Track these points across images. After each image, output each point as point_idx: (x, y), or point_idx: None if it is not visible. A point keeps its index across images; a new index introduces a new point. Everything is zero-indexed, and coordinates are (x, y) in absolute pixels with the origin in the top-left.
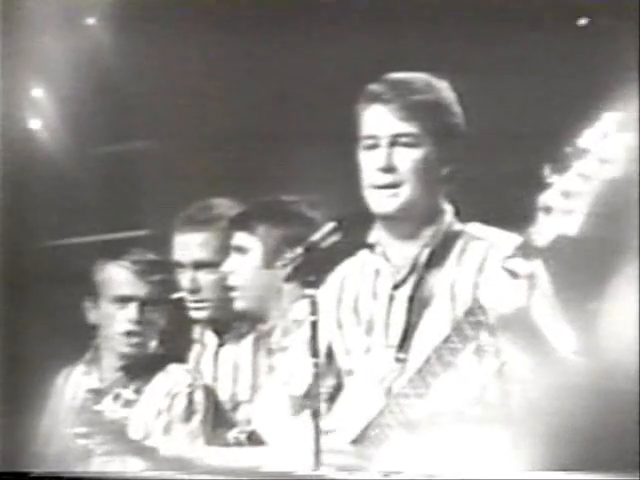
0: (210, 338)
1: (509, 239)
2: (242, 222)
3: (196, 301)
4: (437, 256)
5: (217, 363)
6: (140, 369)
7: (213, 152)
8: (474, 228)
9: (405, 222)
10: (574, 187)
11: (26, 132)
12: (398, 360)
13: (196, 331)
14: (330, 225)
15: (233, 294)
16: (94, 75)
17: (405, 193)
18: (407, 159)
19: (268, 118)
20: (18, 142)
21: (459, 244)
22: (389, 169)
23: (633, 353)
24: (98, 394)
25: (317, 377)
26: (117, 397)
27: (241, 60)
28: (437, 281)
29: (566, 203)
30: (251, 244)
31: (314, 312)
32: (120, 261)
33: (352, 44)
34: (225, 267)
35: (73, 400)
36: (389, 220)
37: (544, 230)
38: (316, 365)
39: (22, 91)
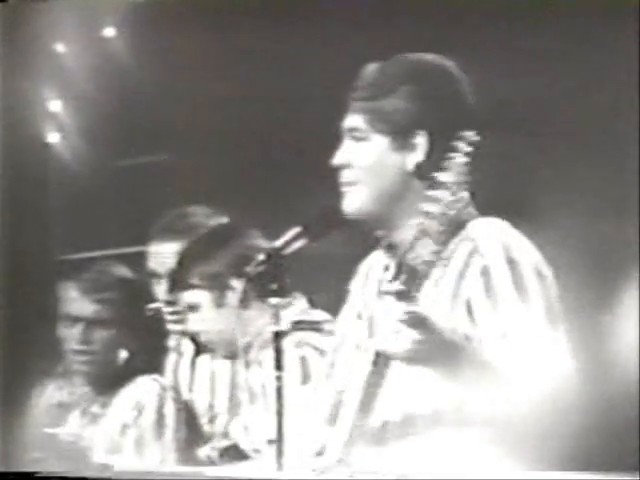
0: (187, 346)
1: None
2: (179, 280)
3: (172, 313)
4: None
5: (194, 372)
6: (107, 383)
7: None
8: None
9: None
10: None
11: (42, 145)
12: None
13: (172, 339)
14: (295, 230)
15: (211, 346)
16: (111, 87)
17: (363, 193)
18: (360, 155)
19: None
20: (33, 154)
21: (454, 241)
22: (344, 165)
23: (633, 353)
24: (64, 408)
25: (281, 391)
26: (85, 412)
27: (260, 70)
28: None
29: None
30: (198, 298)
31: (277, 322)
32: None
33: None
34: (190, 327)
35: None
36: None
37: None
38: (279, 379)
39: (39, 103)
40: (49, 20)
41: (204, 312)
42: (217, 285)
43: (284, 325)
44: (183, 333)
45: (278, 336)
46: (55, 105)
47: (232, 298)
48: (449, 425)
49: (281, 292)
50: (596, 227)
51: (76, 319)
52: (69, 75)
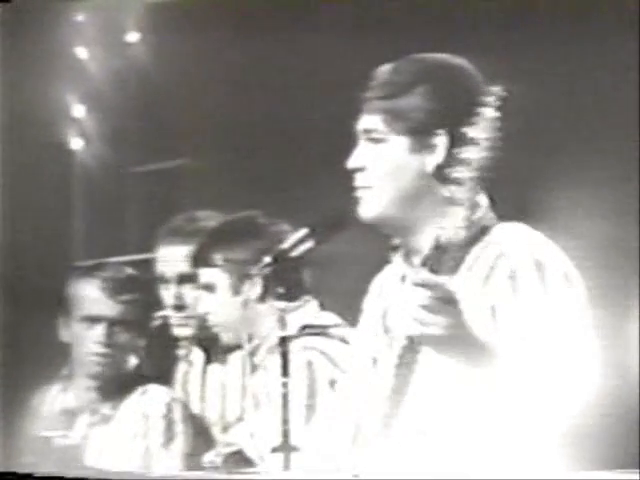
0: (197, 355)
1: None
2: (202, 257)
3: (180, 318)
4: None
5: (205, 382)
6: (116, 390)
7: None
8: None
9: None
10: None
11: (63, 150)
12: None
13: (182, 348)
14: (302, 232)
15: (216, 330)
16: (133, 93)
17: (380, 197)
18: (378, 157)
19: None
20: (53, 159)
21: (477, 247)
22: (360, 168)
23: (633, 352)
24: (69, 413)
25: (287, 398)
26: (92, 416)
27: (280, 75)
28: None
29: None
30: (216, 278)
31: (283, 327)
32: (90, 279)
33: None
34: (200, 308)
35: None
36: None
37: None
38: (285, 385)
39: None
40: (73, 25)
41: (219, 295)
42: (238, 271)
43: (292, 329)
44: (191, 338)
45: (284, 341)
46: (78, 110)
47: (249, 290)
48: (464, 427)
49: (289, 296)
50: (617, 230)
51: (97, 319)
52: (91, 80)
